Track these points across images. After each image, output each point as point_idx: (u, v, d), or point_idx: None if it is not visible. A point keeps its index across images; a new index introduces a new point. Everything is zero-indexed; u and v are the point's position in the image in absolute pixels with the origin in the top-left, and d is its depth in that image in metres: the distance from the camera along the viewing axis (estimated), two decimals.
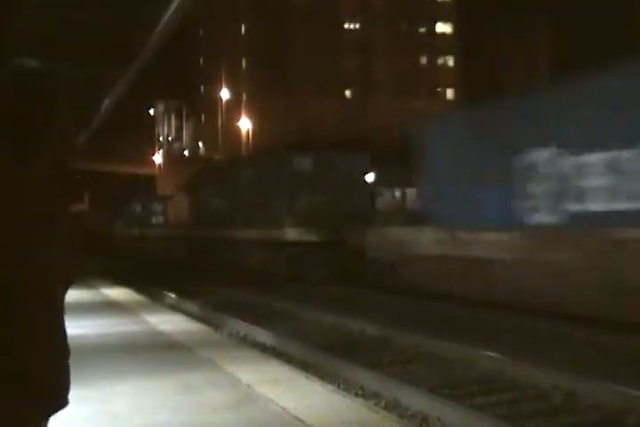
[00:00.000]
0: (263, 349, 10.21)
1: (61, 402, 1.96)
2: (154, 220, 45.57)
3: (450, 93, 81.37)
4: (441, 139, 16.11)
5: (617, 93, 11.53)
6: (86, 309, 12.71)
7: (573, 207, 12.24)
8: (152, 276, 24.19)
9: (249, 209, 25.81)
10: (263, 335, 11.50)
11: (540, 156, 12.92)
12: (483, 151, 14.44)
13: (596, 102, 11.80)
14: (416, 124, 18.39)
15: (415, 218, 17.19)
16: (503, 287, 13.43)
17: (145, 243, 44.52)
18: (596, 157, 11.65)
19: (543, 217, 12.94)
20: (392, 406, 7.06)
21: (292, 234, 21.81)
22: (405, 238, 16.82)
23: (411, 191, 21.45)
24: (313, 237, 20.86)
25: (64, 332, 2.01)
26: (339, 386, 7.62)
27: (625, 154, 11.07)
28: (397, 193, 23.53)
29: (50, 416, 1.98)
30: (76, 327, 9.97)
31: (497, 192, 13.96)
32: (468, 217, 14.57)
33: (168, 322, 10.84)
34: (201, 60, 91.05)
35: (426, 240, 15.95)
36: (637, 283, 10.15)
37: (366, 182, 20.55)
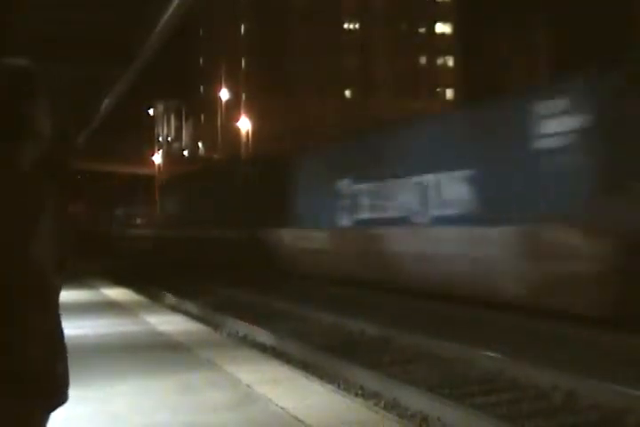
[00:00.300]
0: (263, 349, 10.21)
1: (62, 399, 1.97)
2: (138, 220, 50.36)
3: (450, 93, 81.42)
4: (303, 168, 23.55)
5: (378, 150, 18.90)
6: (86, 309, 12.72)
7: (356, 216, 19.78)
8: (152, 276, 24.18)
9: (195, 212, 33.59)
10: (263, 335, 11.50)
11: (343, 184, 20.47)
12: (320, 179, 21.82)
13: (361, 157, 19.81)
14: (296, 155, 25.26)
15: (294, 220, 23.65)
16: (323, 267, 20.51)
17: (132, 242, 47.66)
18: (364, 186, 19.38)
19: (343, 222, 20.51)
20: (392, 406, 7.06)
21: (219, 233, 28.20)
22: (280, 236, 23.59)
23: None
24: (234, 236, 26.86)
25: (61, 330, 2.01)
26: (339, 386, 7.62)
27: (379, 185, 18.61)
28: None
29: (51, 412, 1.99)
30: (75, 328, 9.97)
31: (327, 206, 21.07)
32: (314, 221, 21.87)
33: (168, 322, 10.84)
34: (201, 60, 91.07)
35: (289, 237, 23.06)
36: (384, 258, 17.49)
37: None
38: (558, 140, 12.65)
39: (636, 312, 10.66)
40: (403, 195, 17.28)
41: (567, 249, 11.98)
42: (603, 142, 11.92)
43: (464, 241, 14.59)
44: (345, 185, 20.21)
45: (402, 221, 17.27)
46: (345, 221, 20.40)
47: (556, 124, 12.64)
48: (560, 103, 12.67)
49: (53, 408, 1.98)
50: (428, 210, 16.21)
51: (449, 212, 15.33)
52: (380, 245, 17.83)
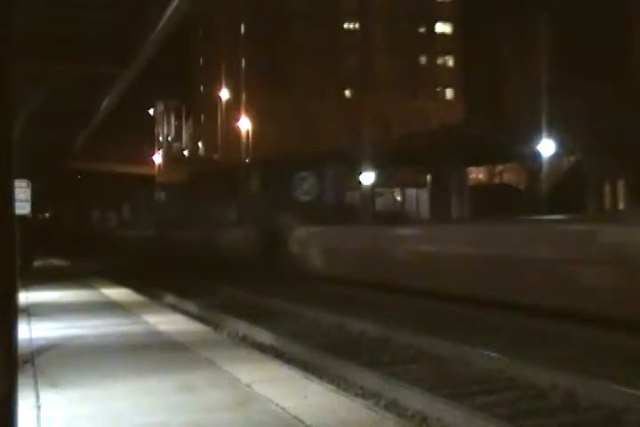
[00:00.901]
0: (263, 349, 10.20)
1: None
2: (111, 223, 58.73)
3: (449, 93, 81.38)
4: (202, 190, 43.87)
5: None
6: (86, 309, 12.73)
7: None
8: (152, 276, 24.19)
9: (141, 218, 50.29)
10: (263, 335, 11.49)
11: (210, 206, 39.76)
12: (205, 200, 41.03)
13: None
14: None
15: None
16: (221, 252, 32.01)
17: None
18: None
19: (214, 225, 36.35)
20: (391, 406, 7.06)
21: (146, 232, 42.04)
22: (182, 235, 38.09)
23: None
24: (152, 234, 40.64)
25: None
26: (338, 386, 7.62)
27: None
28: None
29: None
30: (76, 328, 9.98)
31: (208, 216, 37.86)
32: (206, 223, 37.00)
33: (168, 322, 10.85)
34: (201, 60, 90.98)
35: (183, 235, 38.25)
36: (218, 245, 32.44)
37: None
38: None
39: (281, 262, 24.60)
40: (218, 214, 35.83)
41: (250, 236, 27.69)
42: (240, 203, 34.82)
43: (232, 234, 30.80)
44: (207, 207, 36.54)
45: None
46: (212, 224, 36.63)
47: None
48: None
49: None
50: (216, 220, 32.97)
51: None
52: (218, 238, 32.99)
